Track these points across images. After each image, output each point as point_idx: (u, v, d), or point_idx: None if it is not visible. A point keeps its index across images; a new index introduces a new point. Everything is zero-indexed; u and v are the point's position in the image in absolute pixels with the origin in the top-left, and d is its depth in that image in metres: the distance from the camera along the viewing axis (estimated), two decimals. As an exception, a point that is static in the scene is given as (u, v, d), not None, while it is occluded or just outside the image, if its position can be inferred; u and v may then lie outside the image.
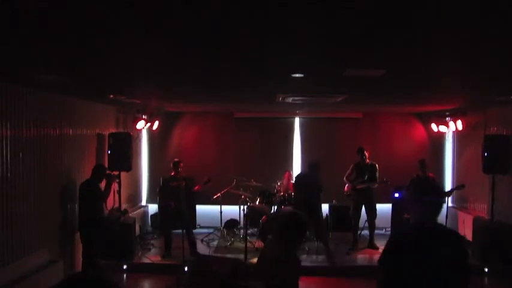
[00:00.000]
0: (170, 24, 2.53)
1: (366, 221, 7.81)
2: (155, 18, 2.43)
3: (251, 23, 2.51)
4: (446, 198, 7.81)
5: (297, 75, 4.26)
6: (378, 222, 7.88)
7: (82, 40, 2.94)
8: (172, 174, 7.30)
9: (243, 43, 3.01)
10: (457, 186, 7.68)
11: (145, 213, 9.30)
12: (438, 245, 2.43)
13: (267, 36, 2.80)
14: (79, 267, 6.03)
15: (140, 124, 8.07)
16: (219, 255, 7.14)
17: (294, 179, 8.26)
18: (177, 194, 7.10)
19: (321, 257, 7.15)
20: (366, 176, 7.58)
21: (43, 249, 5.48)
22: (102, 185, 6.12)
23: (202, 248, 7.60)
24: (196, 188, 7.40)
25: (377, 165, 7.69)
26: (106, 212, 6.37)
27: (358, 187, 7.60)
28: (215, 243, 8.09)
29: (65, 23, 2.52)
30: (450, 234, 2.61)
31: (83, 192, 5.89)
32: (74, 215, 6.13)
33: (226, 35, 2.77)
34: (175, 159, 7.46)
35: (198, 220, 8.87)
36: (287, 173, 8.62)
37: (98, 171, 6.06)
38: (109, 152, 7.14)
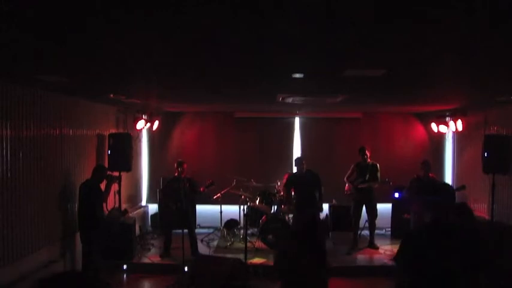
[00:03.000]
0: (170, 24, 2.53)
1: (366, 221, 7.81)
2: (156, 18, 2.43)
3: (251, 24, 2.51)
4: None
5: (297, 75, 4.26)
6: (378, 222, 7.88)
7: (82, 40, 2.94)
8: (176, 174, 7.28)
9: (243, 43, 3.01)
10: (458, 188, 7.66)
11: (145, 213, 9.29)
12: (453, 243, 2.46)
13: (267, 36, 2.80)
14: (79, 267, 6.03)
15: (140, 124, 8.07)
16: (219, 255, 7.14)
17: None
18: (180, 194, 7.08)
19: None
20: (367, 176, 7.58)
21: (43, 249, 5.48)
22: (103, 185, 6.11)
23: (202, 248, 7.60)
24: (201, 188, 7.35)
25: (378, 165, 7.69)
26: (106, 212, 6.36)
27: (359, 187, 7.60)
28: (215, 243, 8.09)
29: (65, 23, 2.53)
30: (466, 233, 2.64)
31: (82, 193, 5.88)
32: (74, 215, 6.12)
33: (227, 35, 2.77)
34: (179, 160, 7.43)
35: (198, 220, 8.86)
36: (287, 175, 8.60)
37: (98, 172, 6.05)
38: (109, 152, 7.13)
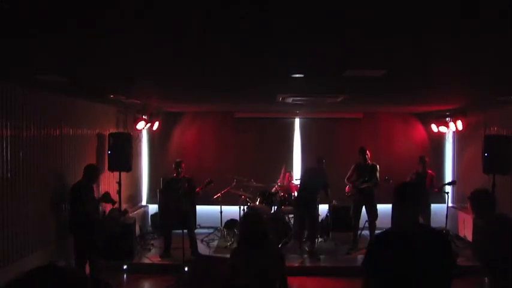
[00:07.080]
0: (170, 24, 2.53)
1: (366, 221, 7.80)
2: (156, 19, 2.43)
3: (251, 24, 2.51)
4: (446, 195, 7.85)
5: (297, 75, 4.26)
6: (378, 222, 7.86)
7: (82, 40, 2.94)
8: (174, 175, 7.28)
9: (243, 43, 3.01)
10: (449, 183, 7.79)
11: (145, 213, 9.29)
12: (420, 244, 2.46)
13: (267, 37, 2.79)
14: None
15: (140, 124, 8.06)
16: (219, 255, 7.13)
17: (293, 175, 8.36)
18: (179, 195, 7.07)
19: (322, 257, 7.14)
20: (367, 177, 7.58)
21: (42, 249, 5.48)
22: (101, 188, 6.05)
23: (202, 248, 7.60)
24: (198, 189, 7.34)
25: (378, 166, 7.69)
26: (102, 211, 6.32)
27: (360, 187, 7.59)
28: (215, 243, 8.09)
29: (64, 23, 2.53)
30: (432, 233, 2.65)
31: (72, 194, 5.73)
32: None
33: (226, 35, 2.77)
34: (177, 160, 7.44)
35: (198, 220, 8.85)
36: (287, 174, 8.61)
37: (88, 171, 5.86)
38: (109, 152, 7.13)
